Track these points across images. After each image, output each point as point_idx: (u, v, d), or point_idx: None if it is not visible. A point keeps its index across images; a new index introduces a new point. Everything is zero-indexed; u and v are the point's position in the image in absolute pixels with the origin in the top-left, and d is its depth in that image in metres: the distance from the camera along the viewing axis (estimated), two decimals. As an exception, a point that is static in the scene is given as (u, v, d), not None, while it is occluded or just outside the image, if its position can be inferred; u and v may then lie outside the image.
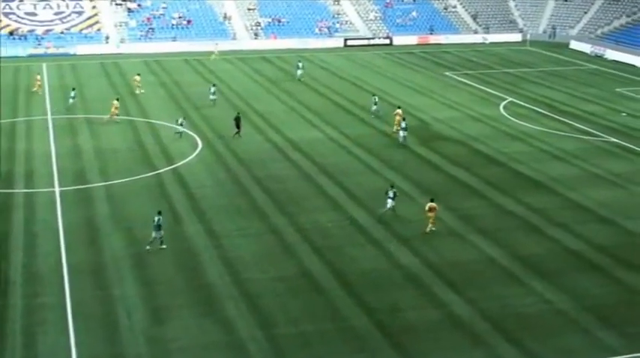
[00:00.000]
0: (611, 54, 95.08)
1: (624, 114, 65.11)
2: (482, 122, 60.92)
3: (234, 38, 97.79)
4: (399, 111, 57.30)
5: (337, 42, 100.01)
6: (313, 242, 37.10)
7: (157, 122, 58.33)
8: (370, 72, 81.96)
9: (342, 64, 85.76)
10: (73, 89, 64.23)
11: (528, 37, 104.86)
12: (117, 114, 58.24)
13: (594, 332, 29.59)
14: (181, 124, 54.57)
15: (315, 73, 79.86)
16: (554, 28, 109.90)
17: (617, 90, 75.75)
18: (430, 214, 38.57)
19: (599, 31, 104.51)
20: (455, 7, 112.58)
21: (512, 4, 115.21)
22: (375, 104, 62.53)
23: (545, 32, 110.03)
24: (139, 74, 71.41)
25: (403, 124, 54.49)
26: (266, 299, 31.46)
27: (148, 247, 35.73)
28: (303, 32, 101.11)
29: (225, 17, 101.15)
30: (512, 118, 62.13)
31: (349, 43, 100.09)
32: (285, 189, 44.35)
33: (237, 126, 54.76)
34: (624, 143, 55.58)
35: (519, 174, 47.79)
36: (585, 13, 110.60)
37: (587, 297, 32.18)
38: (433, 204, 38.69)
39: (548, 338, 29.08)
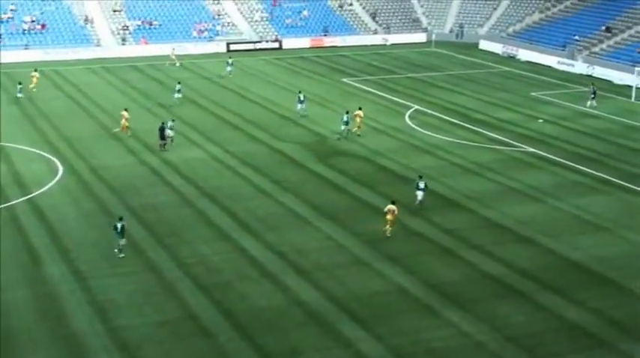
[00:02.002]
0: (525, 54, 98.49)
1: (541, 120, 67.44)
2: (386, 134, 61.95)
3: (97, 44, 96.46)
4: (360, 112, 60.61)
5: (219, 46, 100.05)
6: (198, 278, 36.81)
7: (8, 144, 56.84)
8: (257, 80, 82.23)
9: (225, 72, 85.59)
10: (20, 83, 71.02)
11: (433, 37, 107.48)
12: (127, 127, 59.50)
13: (518, 365, 30.38)
14: (171, 128, 56.72)
15: (195, 83, 79.54)
16: (461, 26, 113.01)
17: (533, 94, 78.43)
18: (389, 217, 41.30)
19: (510, 29, 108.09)
20: (351, 4, 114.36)
21: (414, 0, 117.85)
22: (301, 102, 65.23)
23: (451, 31, 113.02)
24: (36, 69, 76.46)
25: (345, 118, 58.92)
26: (146, 349, 30.98)
27: (121, 254, 38.39)
28: (179, 36, 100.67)
29: (86, 20, 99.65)
30: (420, 129, 63.42)
31: (233, 47, 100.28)
32: (163, 218, 43.90)
33: (162, 136, 55.67)
34: (542, 152, 57.51)
35: (430, 192, 48.66)
36: (495, 9, 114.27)
37: (508, 326, 33.04)
38: (392, 207, 41.47)
39: (467, 376, 29.68)
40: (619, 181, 51.55)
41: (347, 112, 60.44)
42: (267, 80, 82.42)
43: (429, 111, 69.45)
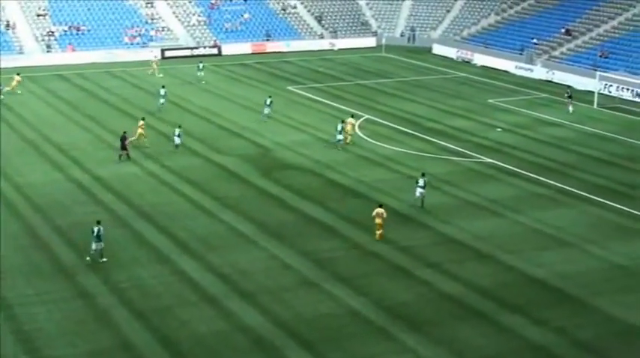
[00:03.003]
0: (480, 59, 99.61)
1: (499, 129, 68.24)
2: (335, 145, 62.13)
3: (20, 51, 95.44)
4: (352, 120, 63.34)
5: (153, 53, 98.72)
6: (133, 304, 36.54)
7: None
8: (195, 89, 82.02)
9: (160, 81, 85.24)
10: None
11: (384, 41, 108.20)
12: (144, 136, 60.85)
13: (479, 390, 30.64)
14: (179, 135, 59.42)
15: (127, 93, 79.12)
16: (413, 30, 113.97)
17: (489, 101, 79.34)
18: (378, 221, 43.69)
19: (465, 33, 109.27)
20: (295, 7, 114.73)
21: (363, 2, 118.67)
22: (268, 106, 68.17)
23: (403, 35, 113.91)
24: (18, 73, 79.63)
25: (339, 127, 60.58)
26: (76, 381, 30.69)
27: (87, 258, 39.95)
28: (110, 42, 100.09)
29: (7, 26, 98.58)
30: (370, 139, 63.74)
31: (168, 54, 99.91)
32: (94, 239, 43.54)
33: (123, 146, 56.53)
34: (500, 163, 58.16)
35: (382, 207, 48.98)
36: (448, 11, 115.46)
37: (469, 350, 33.27)
38: (380, 210, 43.91)
39: (425, 403, 29.83)
40: (582, 193, 52.31)
41: (342, 121, 62.17)
42: (206, 89, 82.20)
43: (380, 121, 69.83)
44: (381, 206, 44.40)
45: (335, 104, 75.83)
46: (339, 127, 61.15)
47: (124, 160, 56.45)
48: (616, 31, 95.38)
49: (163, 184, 52.81)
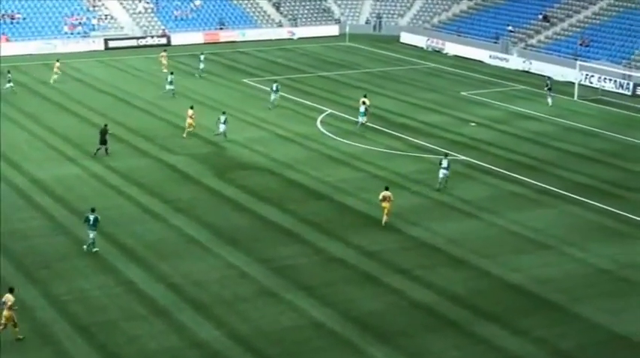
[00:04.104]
0: (452, 48, 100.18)
1: (473, 124, 68.65)
2: (295, 143, 62.19)
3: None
4: (365, 99, 65.99)
5: (96, 44, 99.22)
6: (77, 318, 36.28)
7: None
8: (142, 82, 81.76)
9: (104, 74, 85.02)
10: (9, 72, 76.34)
11: (347, 29, 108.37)
12: (193, 126, 62.94)
13: (453, 407, 30.77)
14: (225, 122, 62.00)
15: (67, 87, 78.63)
16: (379, 17, 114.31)
17: (462, 93, 79.75)
18: (385, 204, 45.75)
19: (435, 20, 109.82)
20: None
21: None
22: (275, 91, 71.12)
23: (368, 23, 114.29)
24: (58, 60, 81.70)
25: (362, 109, 65.50)
26: (14, 404, 30.45)
27: (84, 247, 42.07)
28: (48, 32, 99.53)
29: None
30: (334, 136, 63.83)
31: (112, 44, 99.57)
32: (32, 248, 43.19)
33: (103, 140, 57.36)
34: (475, 161, 58.49)
35: (347, 209, 49.07)
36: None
37: (441, 363, 33.45)
38: (387, 193, 45.89)
39: (396, 421, 29.90)
40: (562, 191, 52.73)
41: (364, 103, 66.15)
42: (154, 82, 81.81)
43: (345, 116, 69.90)
44: (387, 188, 45.80)
45: (295, 98, 75.82)
46: (362, 109, 65.52)
47: (101, 155, 57.04)
48: (597, 17, 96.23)
49: (108, 187, 52.53)
